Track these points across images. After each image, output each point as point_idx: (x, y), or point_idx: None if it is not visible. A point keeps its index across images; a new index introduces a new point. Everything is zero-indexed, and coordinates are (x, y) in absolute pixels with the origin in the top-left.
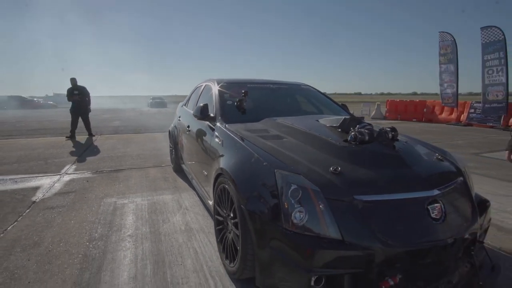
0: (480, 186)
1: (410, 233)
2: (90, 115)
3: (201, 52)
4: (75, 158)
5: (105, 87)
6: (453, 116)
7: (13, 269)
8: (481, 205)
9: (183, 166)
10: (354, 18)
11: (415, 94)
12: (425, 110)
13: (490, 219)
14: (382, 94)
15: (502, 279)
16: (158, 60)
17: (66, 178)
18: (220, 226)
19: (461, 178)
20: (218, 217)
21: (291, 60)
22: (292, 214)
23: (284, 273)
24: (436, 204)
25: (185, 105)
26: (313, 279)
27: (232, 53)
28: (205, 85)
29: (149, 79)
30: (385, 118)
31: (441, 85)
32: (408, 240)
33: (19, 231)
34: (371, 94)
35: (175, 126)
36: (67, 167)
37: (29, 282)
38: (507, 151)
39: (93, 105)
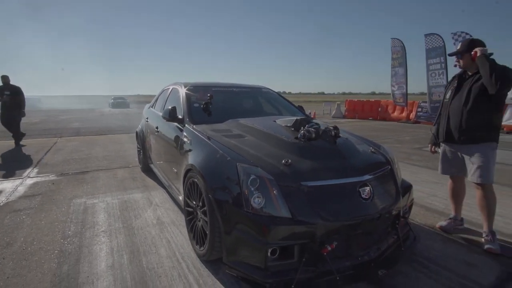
0: (418, 175)
1: (345, 210)
2: (41, 116)
3: (166, 51)
4: (36, 161)
5: (58, 86)
6: (404, 114)
7: None
8: (405, 188)
9: (152, 166)
10: (319, 19)
11: (373, 93)
12: (379, 109)
13: (412, 199)
14: (344, 93)
15: (421, 246)
16: (120, 58)
17: (29, 181)
18: (190, 217)
19: (389, 167)
20: (188, 208)
21: (256, 60)
22: (252, 200)
23: (246, 249)
24: (366, 187)
25: (152, 106)
26: (269, 250)
27: (197, 53)
28: (173, 88)
29: (109, 78)
30: (344, 117)
31: (392, 86)
32: (343, 215)
33: None
34: (333, 93)
35: (142, 128)
36: (28, 170)
37: (8, 277)
38: (429, 145)
39: (46, 105)
